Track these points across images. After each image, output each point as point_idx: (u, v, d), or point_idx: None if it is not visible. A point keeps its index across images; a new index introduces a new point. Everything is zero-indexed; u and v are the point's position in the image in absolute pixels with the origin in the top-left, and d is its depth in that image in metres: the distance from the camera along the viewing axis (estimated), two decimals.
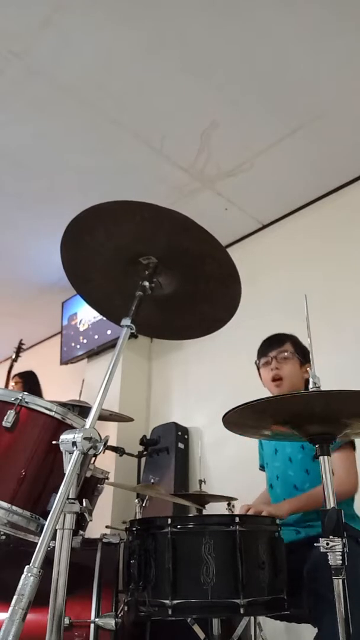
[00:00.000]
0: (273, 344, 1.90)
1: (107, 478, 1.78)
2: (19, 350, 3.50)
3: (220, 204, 3.17)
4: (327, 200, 3.09)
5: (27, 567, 0.91)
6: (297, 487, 1.74)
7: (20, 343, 3.53)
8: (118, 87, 2.43)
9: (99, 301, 1.53)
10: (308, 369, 1.82)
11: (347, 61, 2.29)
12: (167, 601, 1.23)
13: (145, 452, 3.21)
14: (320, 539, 1.09)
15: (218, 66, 2.32)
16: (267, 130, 2.66)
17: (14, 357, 3.52)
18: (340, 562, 1.06)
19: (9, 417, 1.43)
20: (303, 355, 1.86)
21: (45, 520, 1.04)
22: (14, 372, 3.63)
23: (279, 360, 1.85)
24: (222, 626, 1.47)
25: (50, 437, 1.42)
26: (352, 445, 1.70)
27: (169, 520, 1.31)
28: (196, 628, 1.44)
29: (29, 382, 3.63)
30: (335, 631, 1.03)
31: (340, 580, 1.06)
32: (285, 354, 1.85)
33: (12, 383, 3.72)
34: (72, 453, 1.03)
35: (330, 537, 1.07)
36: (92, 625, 1.41)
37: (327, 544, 1.07)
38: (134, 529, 1.42)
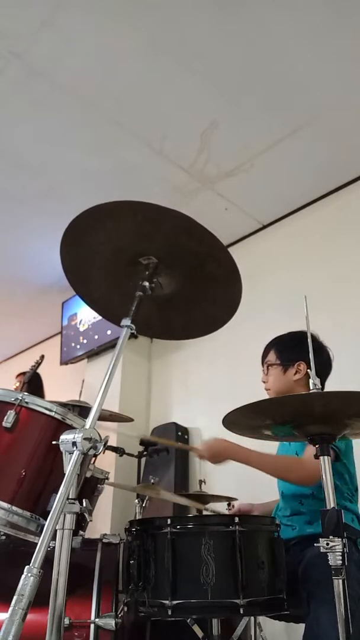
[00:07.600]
0: (263, 354, 1.95)
1: (107, 478, 1.77)
2: (39, 363, 3.47)
3: (220, 204, 3.17)
4: (327, 200, 3.08)
5: (27, 567, 0.91)
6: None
7: (41, 358, 3.49)
8: (118, 87, 2.43)
9: (98, 302, 1.52)
10: (300, 367, 1.82)
11: (347, 61, 2.29)
12: (166, 601, 1.23)
13: (145, 453, 3.21)
14: (320, 539, 1.09)
15: (218, 66, 2.32)
16: (267, 130, 2.66)
17: (32, 367, 3.48)
18: (340, 562, 1.06)
19: (9, 418, 1.43)
20: (288, 357, 1.85)
21: (45, 520, 1.04)
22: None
23: (266, 372, 1.91)
24: (222, 626, 1.47)
25: (50, 437, 1.42)
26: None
27: (169, 521, 1.31)
28: (196, 628, 1.44)
29: (33, 384, 3.61)
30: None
31: (340, 581, 1.06)
32: (266, 365, 1.90)
33: (16, 383, 3.71)
34: (72, 453, 1.03)
35: (330, 537, 1.07)
36: (92, 626, 1.40)
37: (327, 544, 1.07)
38: (134, 529, 1.42)
